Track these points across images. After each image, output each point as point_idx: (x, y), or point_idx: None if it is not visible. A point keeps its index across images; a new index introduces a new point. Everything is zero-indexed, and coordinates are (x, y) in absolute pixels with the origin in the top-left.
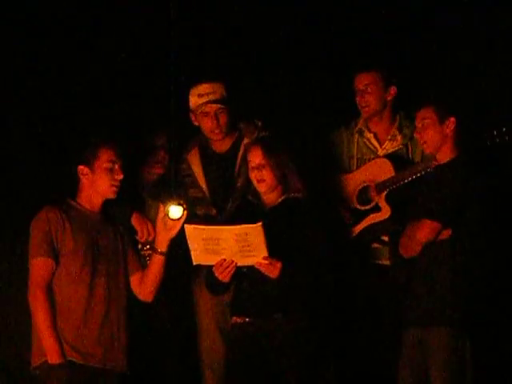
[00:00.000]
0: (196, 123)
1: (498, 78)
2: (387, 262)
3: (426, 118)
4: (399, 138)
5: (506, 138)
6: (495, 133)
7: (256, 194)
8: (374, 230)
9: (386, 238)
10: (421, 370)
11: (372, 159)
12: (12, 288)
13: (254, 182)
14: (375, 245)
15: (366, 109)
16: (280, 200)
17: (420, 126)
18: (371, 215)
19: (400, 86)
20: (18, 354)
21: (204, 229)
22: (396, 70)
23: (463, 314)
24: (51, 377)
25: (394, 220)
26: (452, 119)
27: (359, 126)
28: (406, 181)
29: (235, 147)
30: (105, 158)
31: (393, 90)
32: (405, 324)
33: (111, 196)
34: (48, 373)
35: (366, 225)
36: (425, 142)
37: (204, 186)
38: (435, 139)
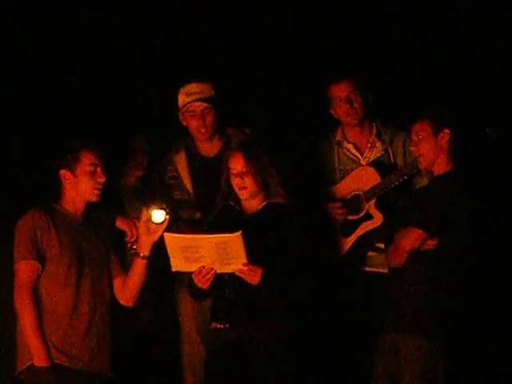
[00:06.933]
0: (184, 123)
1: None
2: (384, 270)
3: (421, 130)
4: (378, 144)
5: (493, 135)
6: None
7: (238, 199)
8: (368, 239)
9: (382, 246)
10: (394, 378)
11: (355, 168)
12: None
13: (236, 189)
14: (371, 253)
15: (354, 115)
16: (262, 206)
17: (416, 139)
18: (364, 224)
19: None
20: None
21: (183, 237)
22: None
23: (439, 325)
24: (37, 380)
25: (388, 226)
26: (446, 131)
27: (338, 137)
28: (392, 185)
29: (223, 152)
30: (86, 161)
31: (370, 96)
32: (381, 330)
33: (94, 199)
34: (34, 376)
35: (360, 234)
36: (421, 155)
37: (190, 188)
38: (430, 152)
